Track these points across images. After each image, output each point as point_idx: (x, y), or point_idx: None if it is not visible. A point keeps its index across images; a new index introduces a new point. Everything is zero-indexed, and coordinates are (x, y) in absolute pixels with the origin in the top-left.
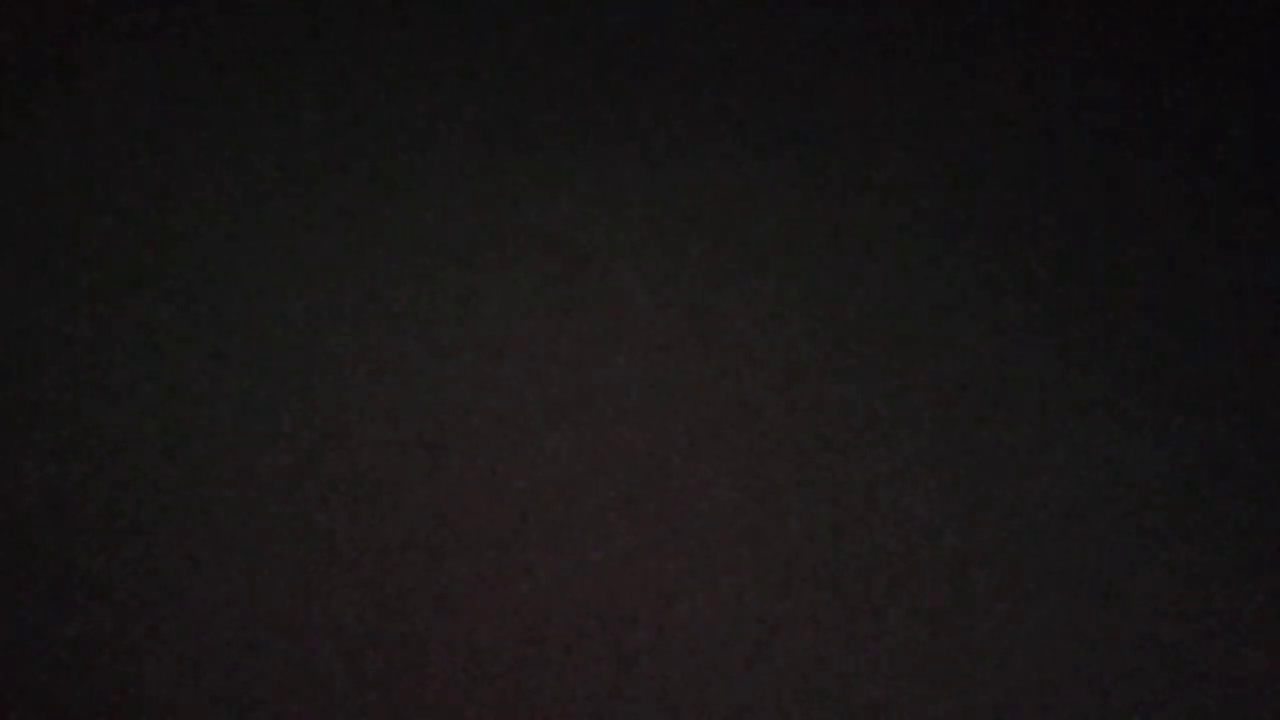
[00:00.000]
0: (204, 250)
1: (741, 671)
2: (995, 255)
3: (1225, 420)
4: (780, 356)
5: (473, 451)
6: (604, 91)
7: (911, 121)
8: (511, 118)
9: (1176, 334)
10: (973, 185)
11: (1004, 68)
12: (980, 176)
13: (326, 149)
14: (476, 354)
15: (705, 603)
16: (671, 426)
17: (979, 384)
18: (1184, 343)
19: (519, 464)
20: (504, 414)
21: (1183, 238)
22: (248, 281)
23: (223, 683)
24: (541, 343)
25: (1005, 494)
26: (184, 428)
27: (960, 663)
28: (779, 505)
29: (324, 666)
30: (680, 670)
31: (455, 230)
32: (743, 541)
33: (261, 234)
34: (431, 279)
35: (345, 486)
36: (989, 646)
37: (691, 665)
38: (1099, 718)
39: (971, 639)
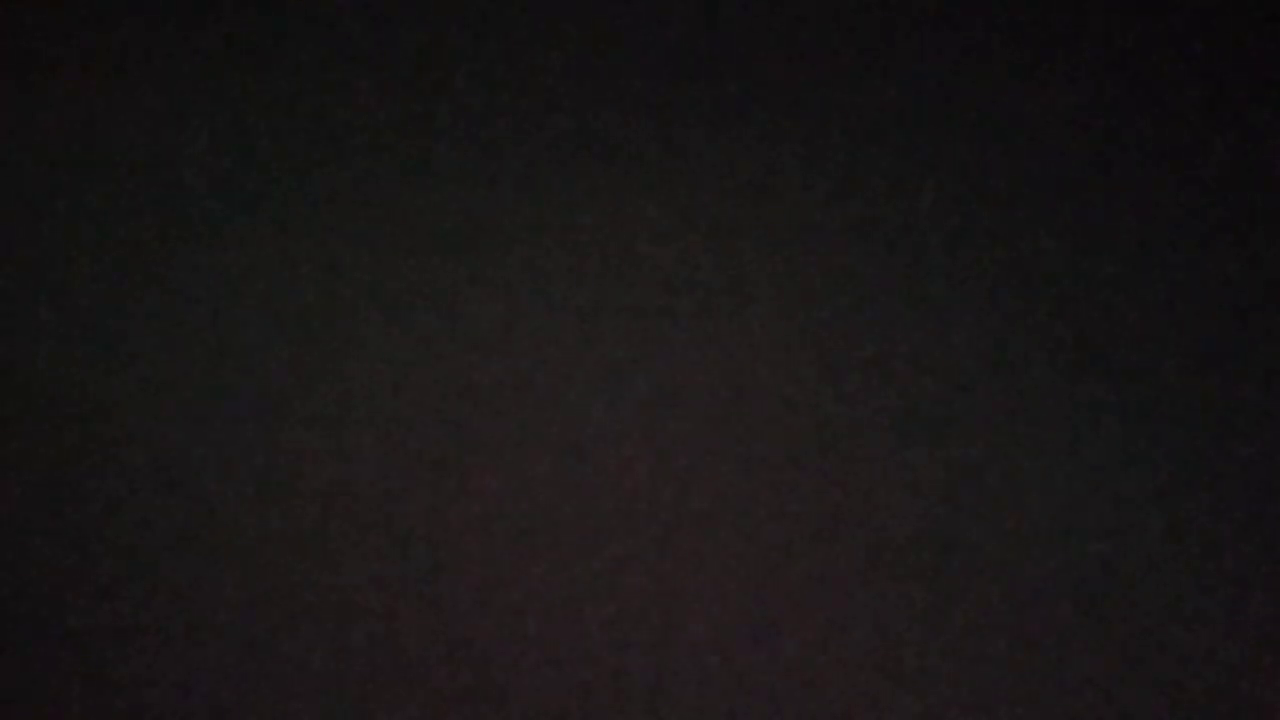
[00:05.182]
0: (200, 249)
1: (741, 672)
2: (995, 255)
3: (1224, 420)
4: (779, 357)
5: (473, 454)
6: (603, 91)
7: (910, 122)
8: (511, 117)
9: (1175, 334)
10: (972, 186)
11: (1004, 67)
12: (980, 177)
13: (325, 149)
14: (475, 356)
15: (705, 604)
16: (670, 428)
17: (978, 384)
18: (1183, 343)
19: (519, 466)
20: (504, 416)
21: (1181, 238)
22: (248, 282)
23: (223, 684)
24: (541, 344)
25: (1005, 494)
26: (183, 428)
27: (960, 663)
28: (779, 507)
29: (324, 669)
30: (680, 672)
31: (457, 231)
32: (742, 544)
33: (260, 234)
34: (431, 279)
35: (345, 489)
36: (989, 646)
37: (691, 666)
38: (1098, 717)
39: (971, 639)
